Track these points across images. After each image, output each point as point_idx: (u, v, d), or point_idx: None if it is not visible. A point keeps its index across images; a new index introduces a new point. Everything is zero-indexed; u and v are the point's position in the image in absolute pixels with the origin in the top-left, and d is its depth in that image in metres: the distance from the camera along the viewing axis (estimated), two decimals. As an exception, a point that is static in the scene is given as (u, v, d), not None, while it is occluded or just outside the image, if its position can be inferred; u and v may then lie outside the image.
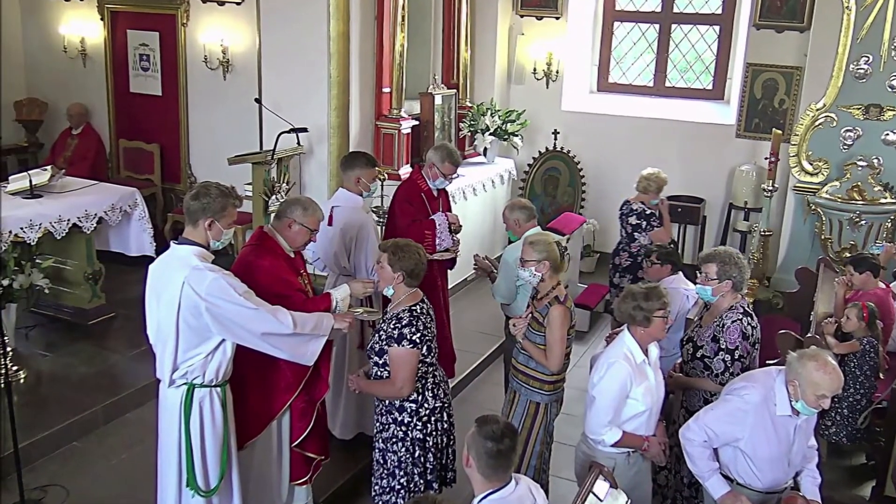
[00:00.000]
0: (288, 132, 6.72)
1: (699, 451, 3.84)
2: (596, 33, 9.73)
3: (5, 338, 5.07)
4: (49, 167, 6.71)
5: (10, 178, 6.53)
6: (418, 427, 4.11)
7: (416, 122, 8.01)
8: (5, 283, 5.45)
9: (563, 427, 4.97)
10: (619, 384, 3.89)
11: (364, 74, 7.47)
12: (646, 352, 4.00)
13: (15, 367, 5.71)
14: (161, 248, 6.34)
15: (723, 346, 4.27)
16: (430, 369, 4.15)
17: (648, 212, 6.68)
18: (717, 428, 3.80)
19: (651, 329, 3.96)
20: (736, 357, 4.25)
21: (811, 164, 8.03)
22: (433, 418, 4.15)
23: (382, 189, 6.77)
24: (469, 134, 8.89)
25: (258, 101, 7.25)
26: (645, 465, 4.14)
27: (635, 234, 6.65)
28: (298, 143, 6.92)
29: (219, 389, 3.81)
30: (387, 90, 7.66)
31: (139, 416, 5.52)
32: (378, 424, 4.24)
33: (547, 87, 9.64)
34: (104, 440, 5.35)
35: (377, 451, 4.25)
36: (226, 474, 3.88)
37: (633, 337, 3.99)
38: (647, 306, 3.93)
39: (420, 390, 4.11)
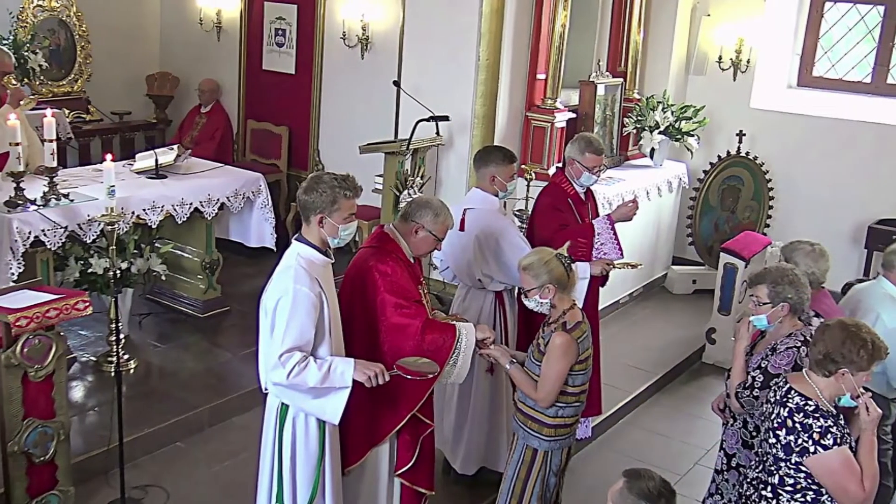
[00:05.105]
0: (427, 120, 6.90)
1: None
2: (801, 15, 9.32)
3: (119, 324, 5.52)
4: (175, 146, 7.17)
5: (136, 156, 7.04)
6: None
7: (573, 115, 7.97)
8: (124, 266, 5.92)
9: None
10: None
11: (517, 58, 7.54)
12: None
13: (126, 356, 6.20)
14: (281, 240, 6.74)
15: (763, 367, 4.03)
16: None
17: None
18: None
19: None
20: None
21: None
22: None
23: (528, 190, 6.82)
24: (634, 131, 8.76)
25: (396, 84, 7.48)
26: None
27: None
28: (438, 132, 7.08)
29: (316, 408, 3.90)
30: (542, 77, 7.68)
31: (245, 421, 5.80)
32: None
33: (734, 80, 9.36)
34: (208, 444, 5.68)
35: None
36: (316, 498, 3.95)
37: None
38: None
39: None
